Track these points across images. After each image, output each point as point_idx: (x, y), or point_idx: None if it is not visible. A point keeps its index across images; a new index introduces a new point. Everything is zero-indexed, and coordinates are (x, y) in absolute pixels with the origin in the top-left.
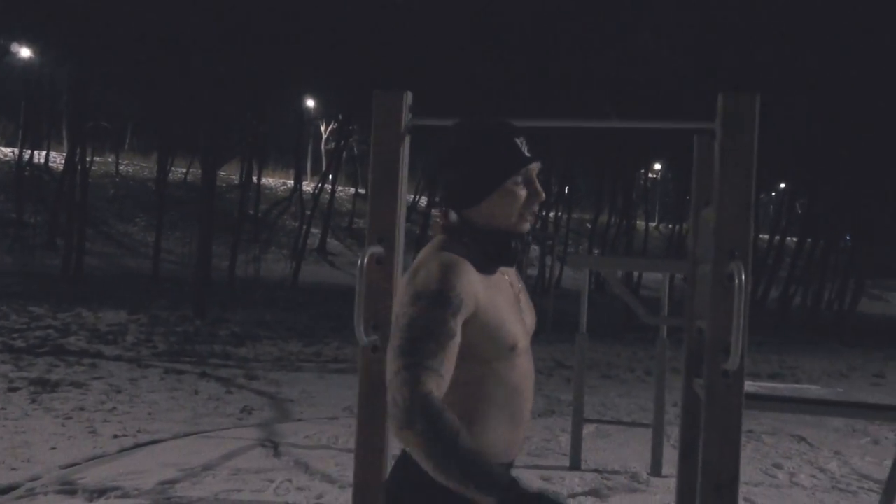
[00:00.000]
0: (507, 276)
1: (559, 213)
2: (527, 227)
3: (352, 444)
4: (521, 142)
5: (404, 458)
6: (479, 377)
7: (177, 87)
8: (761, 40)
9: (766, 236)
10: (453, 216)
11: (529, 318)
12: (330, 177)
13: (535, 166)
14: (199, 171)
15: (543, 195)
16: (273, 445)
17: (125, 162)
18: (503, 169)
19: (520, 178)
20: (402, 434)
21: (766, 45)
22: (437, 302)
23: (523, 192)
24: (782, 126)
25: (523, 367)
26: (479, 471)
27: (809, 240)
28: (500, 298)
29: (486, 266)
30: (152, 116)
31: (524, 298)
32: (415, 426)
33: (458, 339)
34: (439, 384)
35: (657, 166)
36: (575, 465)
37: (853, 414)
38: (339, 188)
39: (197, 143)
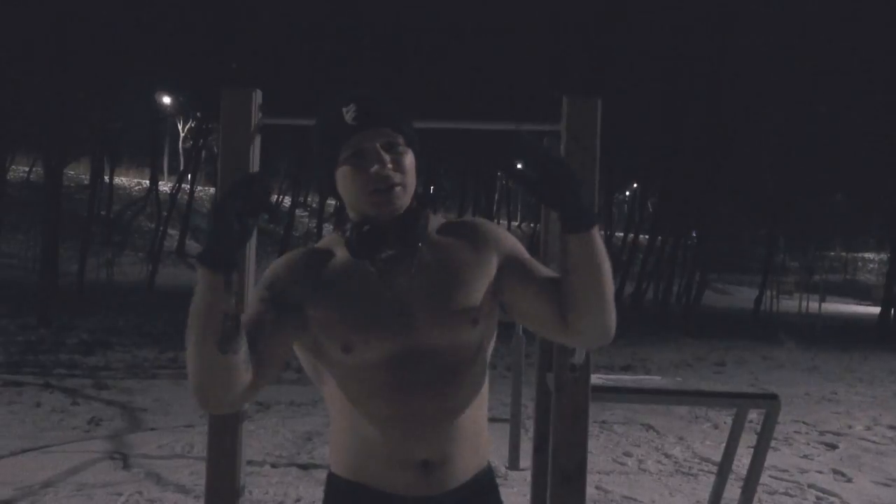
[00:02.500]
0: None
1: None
2: (381, 208)
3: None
4: (347, 111)
5: None
6: (326, 374)
7: (13, 80)
8: (612, 45)
9: (621, 234)
10: (338, 203)
11: (425, 316)
12: (188, 176)
13: (362, 137)
14: (43, 169)
15: (374, 171)
16: (122, 457)
17: None
18: (329, 148)
19: (349, 152)
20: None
21: (616, 51)
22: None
23: (353, 172)
24: (634, 130)
25: (377, 376)
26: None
27: (660, 237)
28: (341, 290)
29: (346, 257)
30: None
31: (421, 293)
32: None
33: (272, 314)
34: None
35: (518, 166)
36: None
37: (690, 401)
38: (199, 188)
39: (40, 140)
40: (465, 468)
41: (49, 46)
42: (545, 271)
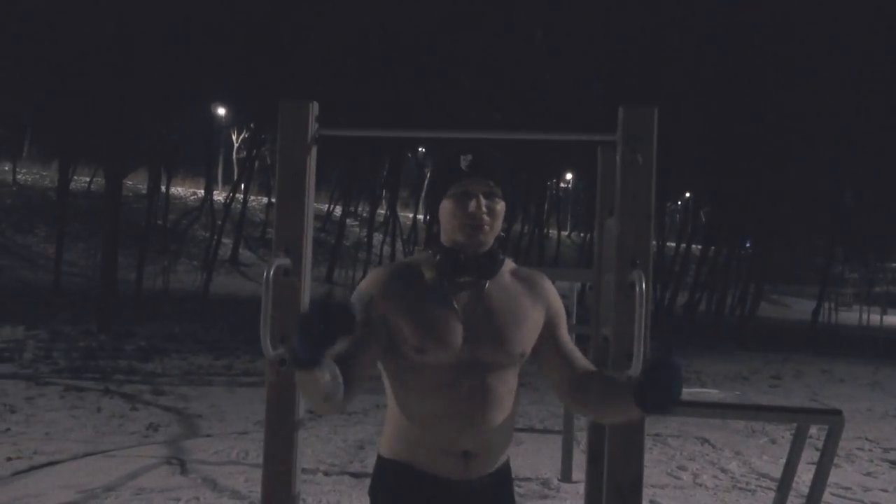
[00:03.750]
0: (465, 290)
1: None
2: (478, 240)
3: (262, 459)
4: (464, 159)
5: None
6: (394, 370)
7: (77, 94)
8: (666, 56)
9: (673, 244)
10: (436, 228)
11: (483, 341)
12: (241, 186)
13: (469, 181)
14: (103, 179)
15: (471, 210)
16: (180, 463)
17: (23, 171)
18: (442, 183)
19: (456, 192)
20: None
21: (670, 60)
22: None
23: (455, 207)
24: (686, 139)
25: (438, 377)
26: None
27: (713, 247)
28: (422, 302)
29: (431, 274)
30: (52, 123)
31: (484, 321)
32: None
33: (362, 323)
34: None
35: (569, 176)
36: None
37: (749, 415)
38: (252, 197)
39: (101, 151)
40: (496, 458)
41: (111, 59)
42: (571, 348)
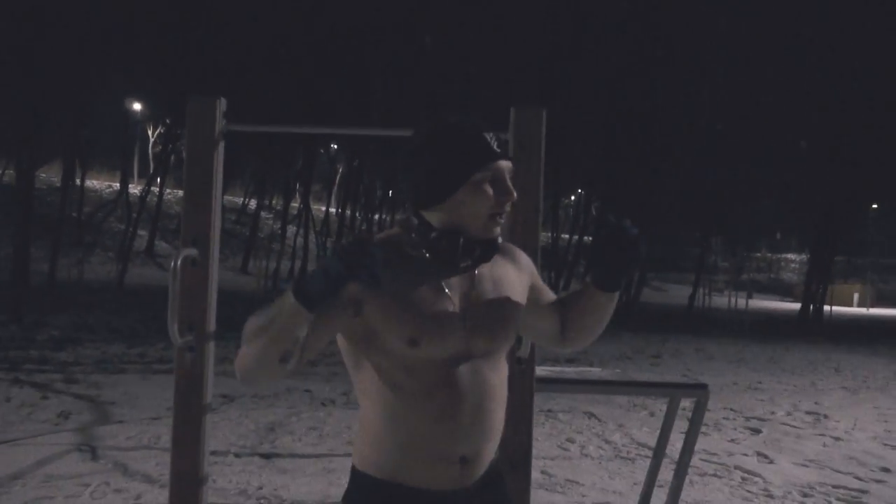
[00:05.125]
0: (461, 277)
1: (384, 216)
2: (496, 230)
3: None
4: (490, 137)
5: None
6: (378, 368)
7: None
8: (558, 59)
9: (567, 236)
10: (413, 220)
11: (479, 330)
12: (157, 179)
13: (505, 164)
14: (15, 171)
15: (514, 194)
16: (91, 449)
17: None
18: (470, 163)
19: (488, 174)
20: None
21: (562, 64)
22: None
23: (490, 190)
24: (578, 139)
25: (431, 373)
26: (274, 308)
27: None
28: (412, 287)
29: (418, 256)
30: None
31: (479, 309)
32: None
33: (336, 308)
34: None
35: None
36: None
37: (627, 391)
38: (168, 191)
39: (11, 144)
40: (489, 460)
41: (20, 52)
42: (551, 294)
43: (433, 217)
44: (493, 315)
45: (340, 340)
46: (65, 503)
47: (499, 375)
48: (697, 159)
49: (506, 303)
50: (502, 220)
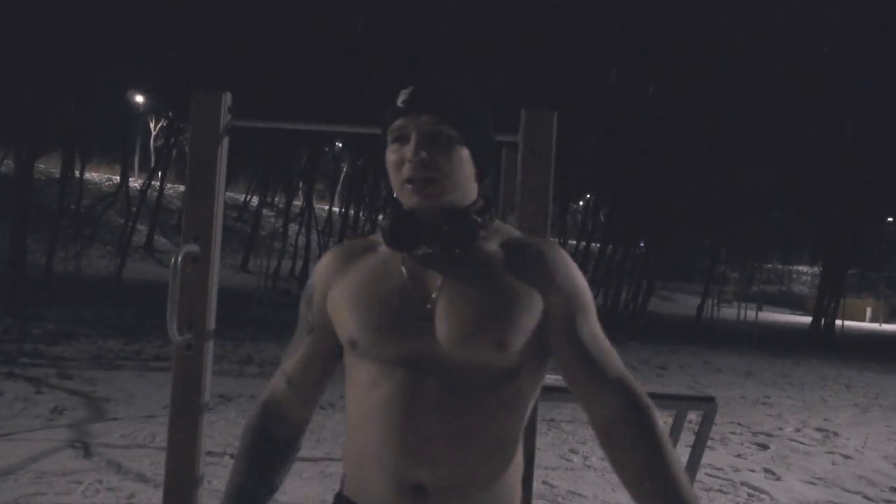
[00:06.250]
0: (429, 267)
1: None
2: (416, 200)
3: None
4: (403, 93)
5: None
6: (347, 373)
7: None
8: (570, 62)
9: (574, 241)
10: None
11: (444, 326)
12: (158, 174)
13: (408, 119)
14: (13, 162)
15: (421, 154)
16: (84, 446)
17: None
18: (382, 130)
19: (392, 137)
20: None
21: (574, 68)
22: (302, 295)
23: (390, 157)
24: (589, 144)
25: (378, 378)
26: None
27: (610, 246)
28: (360, 281)
29: (386, 244)
30: None
31: (446, 300)
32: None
33: (319, 334)
34: (284, 381)
35: None
36: None
37: None
38: (168, 185)
39: (11, 134)
40: (473, 500)
41: (22, 43)
42: (597, 355)
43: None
44: (459, 312)
45: None
46: (57, 500)
47: (488, 397)
48: (708, 166)
49: (481, 300)
50: (430, 187)
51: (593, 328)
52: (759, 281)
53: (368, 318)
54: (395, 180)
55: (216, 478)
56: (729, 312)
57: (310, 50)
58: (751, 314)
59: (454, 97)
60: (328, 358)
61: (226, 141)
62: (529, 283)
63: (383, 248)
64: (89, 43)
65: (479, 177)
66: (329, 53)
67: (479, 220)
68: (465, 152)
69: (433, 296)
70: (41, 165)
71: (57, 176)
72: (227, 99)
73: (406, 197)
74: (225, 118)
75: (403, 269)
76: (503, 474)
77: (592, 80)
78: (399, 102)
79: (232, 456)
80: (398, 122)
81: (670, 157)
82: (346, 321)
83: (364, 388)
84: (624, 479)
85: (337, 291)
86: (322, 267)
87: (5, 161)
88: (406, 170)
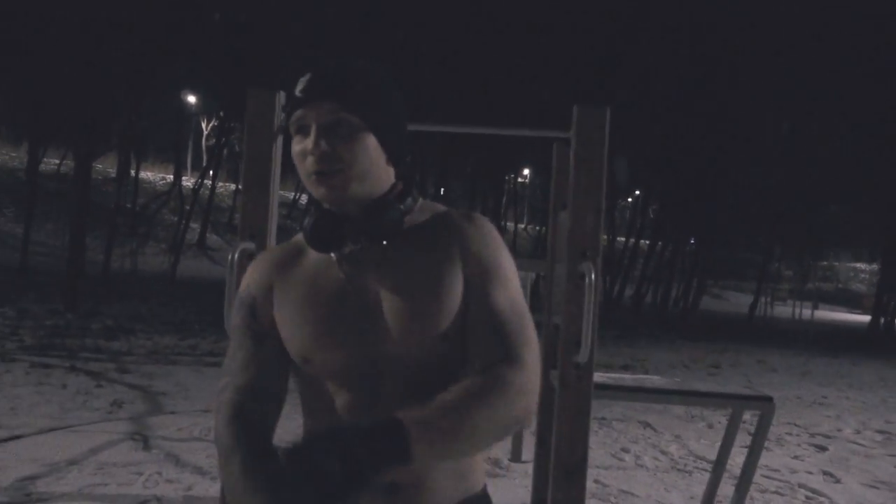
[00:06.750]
0: (368, 269)
1: None
2: (322, 192)
3: None
4: (306, 80)
5: None
6: (302, 389)
7: (47, 77)
8: (621, 55)
9: (623, 238)
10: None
11: (389, 326)
12: (210, 172)
13: (306, 110)
14: (73, 162)
15: (321, 145)
16: (143, 439)
17: None
18: (284, 122)
19: (293, 129)
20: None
21: (624, 61)
22: (237, 306)
23: (297, 147)
24: (639, 139)
25: (336, 388)
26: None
27: (660, 243)
28: (299, 293)
29: (310, 246)
30: (22, 105)
31: (385, 298)
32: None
33: (257, 340)
34: (234, 394)
35: (526, 171)
36: None
37: (687, 401)
38: (220, 184)
39: (71, 134)
40: (444, 494)
41: (81, 45)
42: (500, 320)
43: None
44: (398, 307)
45: None
46: (118, 490)
47: (432, 387)
48: (762, 160)
49: (418, 293)
50: (336, 180)
51: (511, 299)
52: (815, 278)
53: (317, 333)
54: (301, 173)
55: None
56: (783, 311)
57: (361, 46)
58: (806, 313)
59: (354, 82)
60: (284, 362)
61: (280, 140)
62: (448, 258)
63: (313, 252)
64: (143, 42)
65: (393, 162)
66: (380, 51)
67: (401, 206)
68: (370, 139)
69: (371, 295)
70: (98, 165)
71: (114, 175)
72: (282, 98)
73: (313, 188)
74: (279, 117)
75: (338, 271)
76: (466, 459)
77: (643, 75)
78: (297, 91)
79: None
80: (298, 113)
81: (722, 149)
82: (293, 338)
83: (322, 401)
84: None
85: (279, 304)
86: (257, 275)
87: (65, 161)
88: (309, 163)
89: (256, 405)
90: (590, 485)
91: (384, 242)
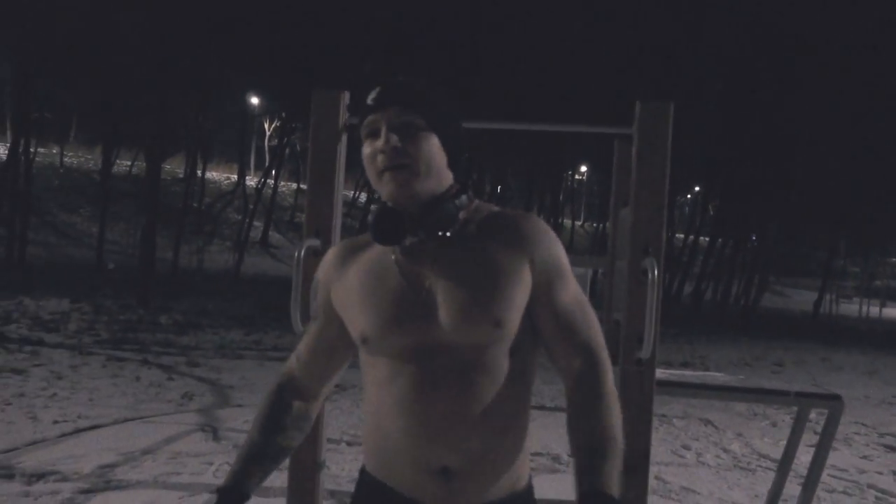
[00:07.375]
0: (418, 258)
1: None
2: (390, 190)
3: None
4: (376, 91)
5: None
6: (362, 365)
7: (120, 83)
8: (681, 50)
9: (682, 235)
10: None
11: (442, 312)
12: (273, 172)
13: (378, 115)
14: (144, 163)
15: (391, 142)
16: (213, 430)
17: (69, 154)
18: (357, 129)
19: (364, 133)
20: None
21: (684, 56)
22: (311, 288)
23: (368, 149)
24: (697, 135)
25: (393, 370)
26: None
27: (720, 239)
28: (361, 281)
29: (373, 239)
30: (96, 109)
31: (440, 287)
32: None
33: (323, 322)
34: (294, 359)
35: (583, 168)
36: None
37: (752, 398)
38: (282, 183)
39: (142, 137)
40: (495, 483)
41: (151, 52)
42: (573, 319)
43: None
44: (454, 296)
45: None
46: (191, 479)
47: (488, 373)
48: (826, 154)
49: (472, 280)
50: (403, 175)
51: (573, 293)
52: (883, 275)
53: (373, 315)
54: (371, 174)
55: (334, 464)
56: (849, 308)
57: (419, 44)
58: (874, 310)
59: (419, 90)
60: (333, 344)
61: (344, 139)
62: (513, 257)
63: (377, 245)
64: (209, 46)
65: (451, 165)
66: (437, 49)
67: (456, 202)
68: (434, 139)
69: (427, 284)
70: (167, 166)
71: (181, 176)
72: (346, 97)
73: (383, 187)
74: (344, 116)
75: (396, 262)
76: (516, 449)
77: (705, 69)
78: (369, 101)
79: (349, 443)
80: (370, 118)
81: (784, 146)
82: (354, 320)
83: (380, 384)
84: (568, 433)
85: (340, 290)
86: (325, 265)
87: (136, 163)
88: (380, 160)
89: (303, 382)
90: (651, 481)
91: (440, 234)
